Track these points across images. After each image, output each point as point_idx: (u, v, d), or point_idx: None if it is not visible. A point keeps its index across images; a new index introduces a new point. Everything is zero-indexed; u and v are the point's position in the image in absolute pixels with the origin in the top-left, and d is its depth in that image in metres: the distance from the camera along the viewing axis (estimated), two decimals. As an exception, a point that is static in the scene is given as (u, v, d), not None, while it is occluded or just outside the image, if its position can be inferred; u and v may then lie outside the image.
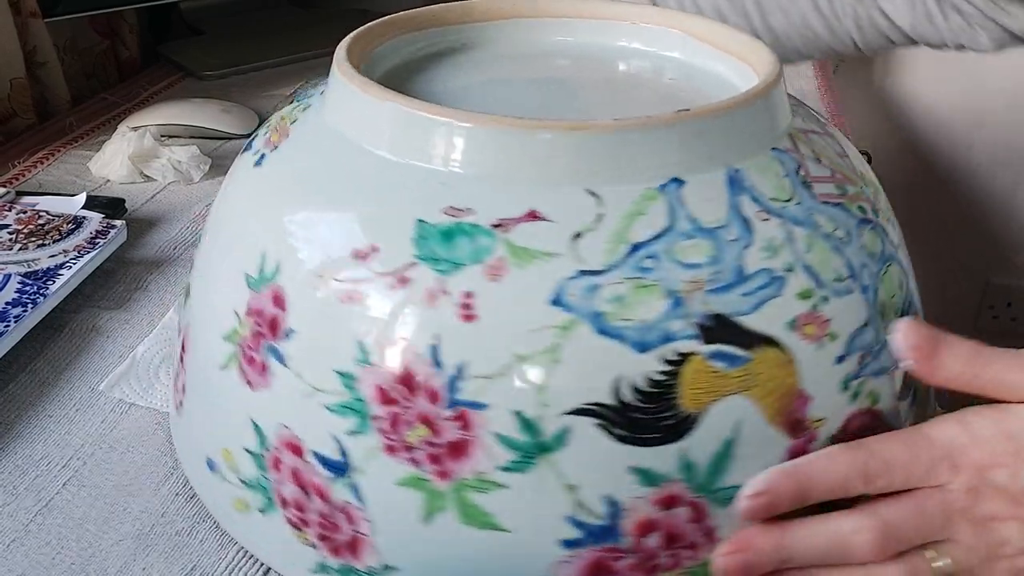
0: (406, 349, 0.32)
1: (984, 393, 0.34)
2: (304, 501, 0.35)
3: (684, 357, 0.31)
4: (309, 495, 0.35)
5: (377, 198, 0.35)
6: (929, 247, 1.27)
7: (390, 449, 0.33)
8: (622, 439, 0.31)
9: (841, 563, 0.33)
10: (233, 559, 0.40)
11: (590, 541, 0.32)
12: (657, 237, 0.32)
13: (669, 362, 0.31)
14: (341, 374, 0.33)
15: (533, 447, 0.31)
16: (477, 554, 0.33)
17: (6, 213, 0.61)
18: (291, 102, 0.44)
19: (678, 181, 0.34)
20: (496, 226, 0.32)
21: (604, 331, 0.31)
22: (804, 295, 0.33)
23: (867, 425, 0.35)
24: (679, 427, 0.32)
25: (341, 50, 0.40)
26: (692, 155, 0.34)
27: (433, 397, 0.32)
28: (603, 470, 0.32)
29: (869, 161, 0.44)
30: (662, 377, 0.31)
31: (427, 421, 0.32)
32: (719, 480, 0.33)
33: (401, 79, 0.43)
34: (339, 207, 0.35)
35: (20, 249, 0.57)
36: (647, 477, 0.32)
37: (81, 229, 0.60)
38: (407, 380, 0.32)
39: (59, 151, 0.79)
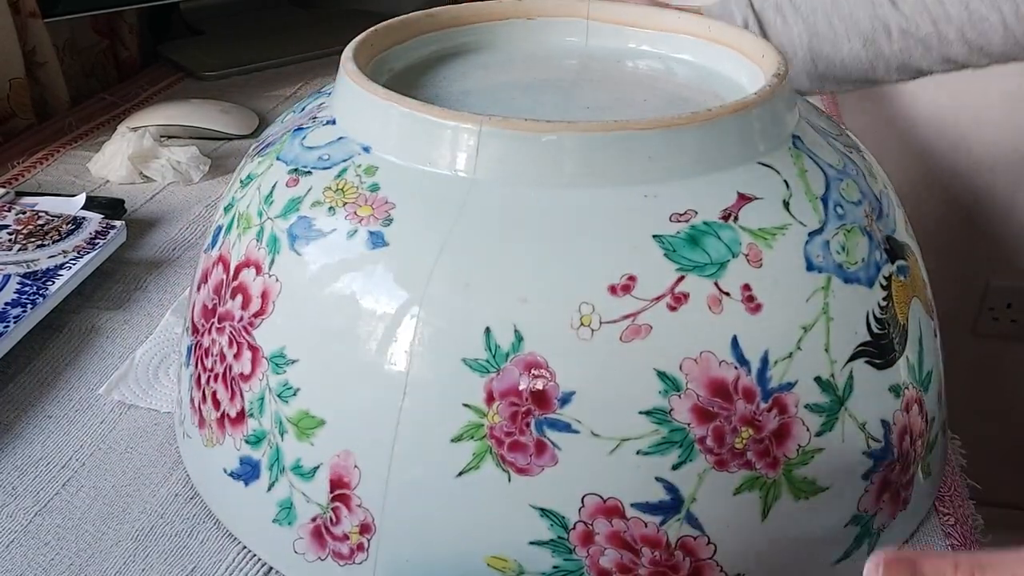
0: (711, 361, 0.32)
1: None
2: (631, 559, 0.33)
3: (889, 279, 0.37)
4: (638, 551, 0.33)
5: (576, 229, 0.33)
6: (929, 248, 1.27)
7: (720, 464, 0.33)
8: (880, 366, 0.36)
9: None
10: (233, 560, 0.40)
11: (878, 467, 0.36)
12: (829, 187, 0.36)
13: (884, 288, 0.36)
14: (649, 412, 0.32)
15: (835, 403, 0.34)
16: (806, 523, 0.35)
17: (5, 213, 0.61)
18: (294, 169, 0.38)
19: (796, 137, 0.38)
20: (724, 217, 0.34)
21: (847, 279, 0.35)
22: (894, 208, 0.40)
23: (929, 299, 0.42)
24: (903, 339, 0.37)
25: (348, 54, 0.40)
26: (788, 118, 0.38)
27: (749, 396, 0.33)
28: (875, 399, 0.36)
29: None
30: (885, 302, 0.36)
31: (749, 421, 0.33)
32: (923, 374, 0.39)
33: (406, 82, 0.43)
34: (546, 252, 0.33)
35: (19, 249, 0.57)
36: (896, 391, 0.37)
37: (80, 229, 0.60)
38: (722, 390, 0.32)
39: (58, 151, 0.79)
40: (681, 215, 0.33)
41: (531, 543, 0.33)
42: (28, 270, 0.55)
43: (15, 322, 0.50)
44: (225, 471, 0.39)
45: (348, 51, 0.40)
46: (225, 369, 0.38)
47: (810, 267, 0.34)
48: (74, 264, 0.56)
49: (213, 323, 0.39)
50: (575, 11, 0.48)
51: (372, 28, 0.43)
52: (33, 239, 0.58)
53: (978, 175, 1.23)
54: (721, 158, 0.35)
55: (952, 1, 0.62)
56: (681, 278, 0.32)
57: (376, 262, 0.34)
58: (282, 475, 0.36)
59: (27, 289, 0.53)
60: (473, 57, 0.46)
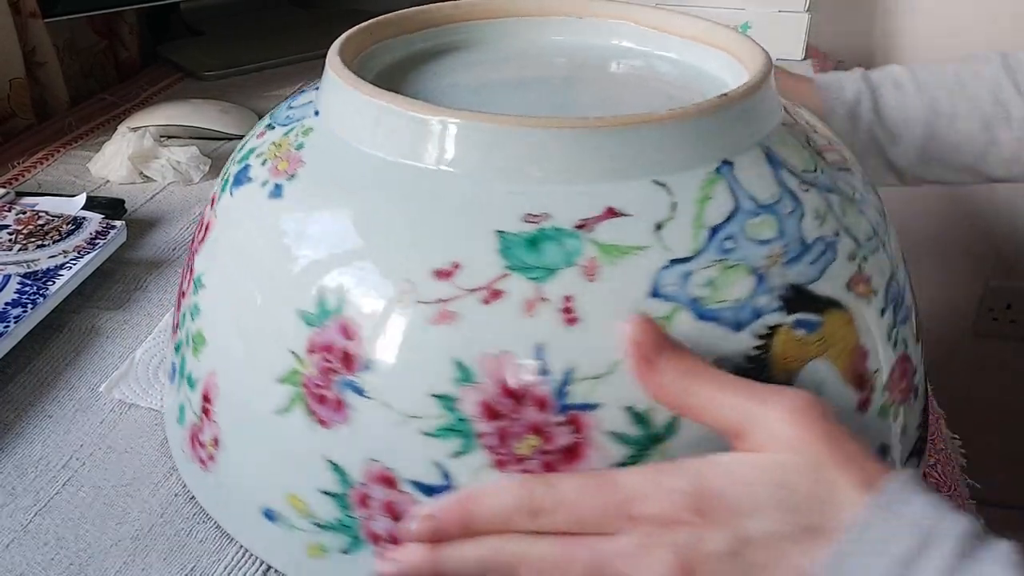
0: (510, 361, 0.32)
1: (692, 415, 0.31)
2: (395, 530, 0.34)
3: (773, 330, 0.33)
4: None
5: (439, 213, 0.34)
6: (929, 249, 1.27)
7: (500, 464, 0.32)
8: None
9: None
10: (232, 559, 0.40)
11: None
12: (729, 218, 0.34)
13: (761, 336, 0.33)
14: (439, 397, 0.32)
15: (647, 440, 0.32)
16: None
17: (6, 214, 0.61)
18: (268, 124, 0.42)
19: (728, 163, 0.35)
20: (579, 227, 0.33)
21: (703, 315, 0.32)
22: (852, 256, 0.36)
23: (905, 371, 0.37)
24: None
25: (334, 51, 0.40)
26: (734, 137, 0.36)
27: (542, 405, 0.32)
28: (709, 450, 0.32)
29: None
30: (757, 352, 0.33)
31: (538, 430, 0.32)
32: None
33: (397, 79, 0.43)
34: (398, 228, 0.34)
35: (20, 250, 0.57)
36: None
37: (81, 230, 0.60)
38: (514, 392, 0.32)
39: (59, 151, 0.79)
40: (535, 216, 0.33)
41: (321, 491, 0.35)
42: (28, 270, 0.55)
43: (15, 322, 0.50)
44: (166, 372, 0.45)
45: (335, 45, 0.40)
46: (178, 290, 0.44)
47: (655, 294, 0.32)
48: (74, 264, 0.56)
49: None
50: (566, 9, 0.48)
51: (361, 24, 0.43)
52: (33, 239, 0.58)
53: (978, 175, 1.23)
54: (619, 170, 0.33)
55: None
56: (504, 275, 0.32)
57: (269, 212, 0.37)
58: (182, 382, 0.41)
59: (27, 289, 0.53)
60: (462, 55, 0.46)
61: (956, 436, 0.52)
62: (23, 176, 0.74)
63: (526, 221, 0.33)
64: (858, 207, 0.37)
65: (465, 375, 0.32)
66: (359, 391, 0.33)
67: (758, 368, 0.33)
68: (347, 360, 0.34)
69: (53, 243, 0.58)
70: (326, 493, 0.35)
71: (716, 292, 0.32)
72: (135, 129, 0.76)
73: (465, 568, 0.32)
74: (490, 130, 0.34)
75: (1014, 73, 0.62)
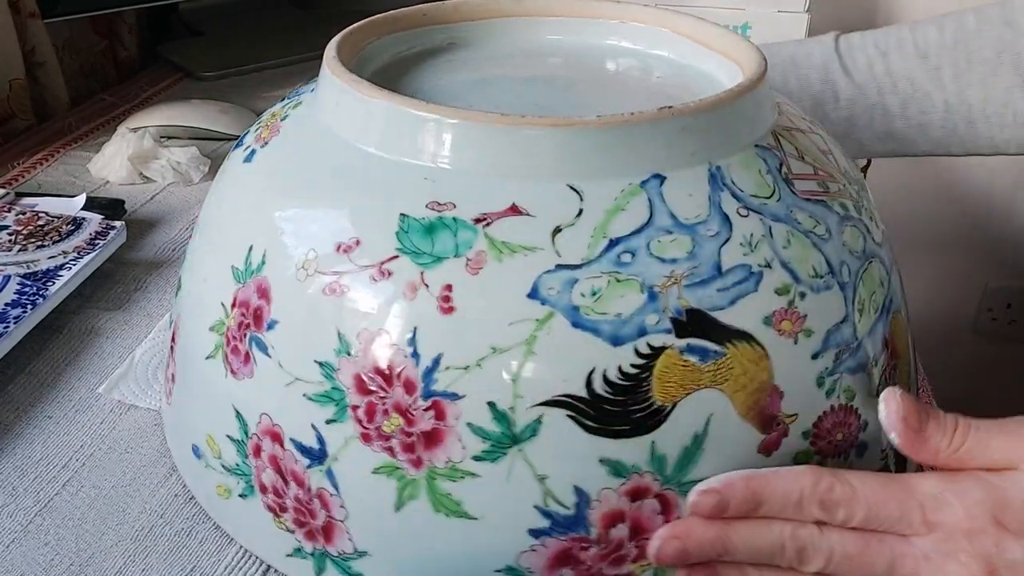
0: (384, 340, 0.33)
1: (972, 465, 0.32)
2: (282, 487, 0.36)
3: (657, 351, 0.32)
4: (287, 482, 0.36)
5: (362, 193, 0.35)
6: (929, 249, 1.27)
7: (365, 438, 0.33)
8: (592, 430, 0.32)
9: (775, 566, 0.33)
10: (232, 560, 0.40)
11: (557, 531, 0.33)
12: (636, 232, 0.33)
13: (642, 355, 0.32)
14: (321, 364, 0.34)
15: (505, 437, 0.32)
16: (446, 542, 0.34)
17: (5, 214, 0.61)
18: (283, 100, 0.44)
19: (660, 177, 0.34)
20: (478, 220, 0.33)
21: (579, 324, 0.32)
22: (781, 291, 0.34)
23: (841, 422, 0.35)
24: (649, 420, 0.32)
25: (331, 48, 0.40)
26: (675, 152, 0.34)
27: (409, 387, 0.32)
28: (573, 461, 0.32)
29: (868, 165, 0.44)
30: (634, 370, 0.32)
31: (402, 411, 0.33)
32: (688, 473, 0.33)
33: (391, 77, 0.43)
34: (325, 202, 0.36)
35: (19, 250, 0.57)
36: (616, 468, 0.32)
37: (80, 230, 0.60)
38: (384, 371, 0.33)
39: (58, 152, 0.79)
40: (440, 205, 0.33)
41: (227, 436, 0.38)
42: (28, 271, 0.55)
43: (15, 323, 0.50)
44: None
45: (331, 46, 0.41)
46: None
47: (534, 295, 0.32)
48: (74, 265, 0.56)
49: None
50: (557, 9, 0.48)
51: (356, 24, 0.43)
52: (33, 240, 0.58)
53: (978, 175, 1.23)
54: (536, 168, 0.34)
55: (900, 74, 0.62)
56: (394, 257, 0.33)
57: (240, 173, 0.40)
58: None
59: (27, 290, 0.53)
60: (458, 54, 0.46)
61: (955, 436, 0.52)
62: (23, 177, 0.74)
63: (429, 208, 0.33)
64: (814, 242, 0.35)
65: (344, 347, 0.33)
66: (263, 348, 0.35)
67: (634, 385, 0.32)
68: (257, 317, 0.36)
69: (53, 244, 0.58)
70: (230, 438, 0.38)
71: (598, 303, 0.32)
72: (135, 129, 0.76)
73: (754, 548, 0.32)
74: (436, 120, 0.34)
75: (843, 55, 0.63)
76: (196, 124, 0.80)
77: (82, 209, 0.65)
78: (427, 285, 0.32)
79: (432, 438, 0.33)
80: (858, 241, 0.37)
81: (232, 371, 0.37)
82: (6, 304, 0.52)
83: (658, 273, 0.32)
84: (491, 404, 0.32)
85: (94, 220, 0.61)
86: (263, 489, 0.37)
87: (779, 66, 0.63)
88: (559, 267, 0.32)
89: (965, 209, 1.24)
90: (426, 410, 0.32)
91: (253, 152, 0.40)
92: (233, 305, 0.37)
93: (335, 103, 0.38)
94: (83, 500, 0.43)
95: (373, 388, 0.33)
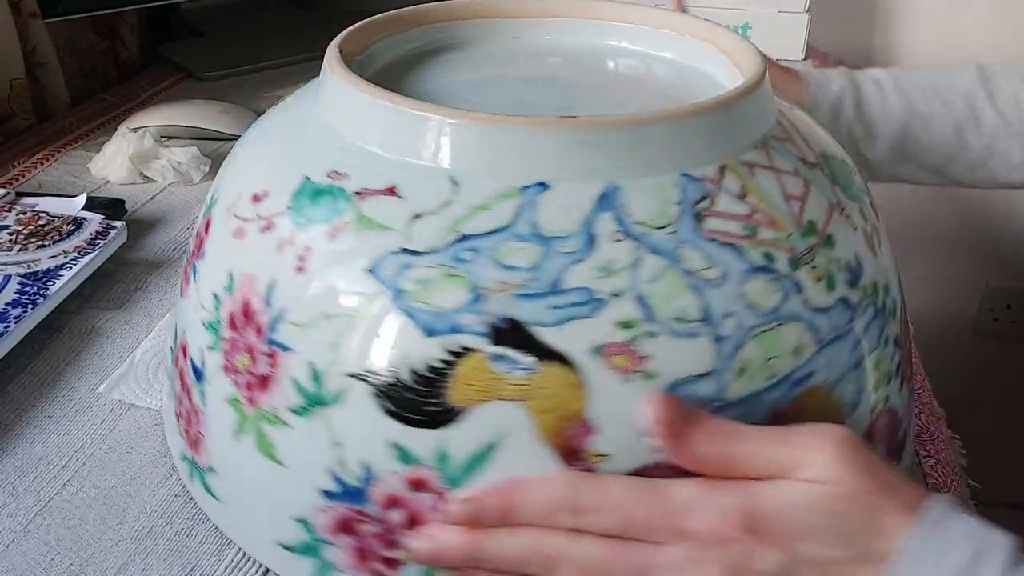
0: (253, 287, 0.36)
1: (739, 473, 0.31)
2: (182, 396, 0.40)
3: (465, 351, 0.32)
4: (185, 392, 0.40)
5: (293, 150, 0.38)
6: (929, 250, 1.27)
7: (226, 368, 0.37)
8: (389, 412, 0.33)
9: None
10: (232, 560, 0.40)
11: (343, 498, 0.34)
12: (488, 233, 0.33)
13: (450, 352, 0.32)
14: (215, 296, 0.37)
15: (315, 398, 0.34)
16: (264, 479, 0.36)
17: (6, 214, 0.61)
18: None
19: (543, 185, 0.33)
20: (358, 194, 0.34)
21: (401, 308, 0.32)
22: (624, 324, 0.32)
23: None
24: (442, 416, 0.32)
25: (333, 47, 0.40)
26: (569, 164, 0.33)
27: (259, 332, 0.35)
28: (366, 437, 0.33)
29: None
30: (440, 365, 0.32)
31: (250, 351, 0.36)
32: (472, 478, 0.33)
33: (392, 77, 0.43)
34: (267, 155, 0.39)
35: (20, 250, 0.57)
36: (403, 455, 0.33)
37: (81, 230, 0.60)
38: (246, 312, 0.36)
39: (59, 152, 0.79)
40: (338, 174, 0.35)
41: (170, 348, 0.43)
42: (28, 270, 0.55)
43: (16, 322, 0.50)
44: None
45: (333, 45, 0.41)
46: None
47: (372, 272, 0.33)
48: (74, 264, 0.56)
49: None
50: (559, 9, 0.48)
51: (358, 24, 0.43)
52: (34, 239, 0.58)
53: (978, 176, 1.23)
54: (410, 151, 0.35)
55: None
56: (282, 213, 0.36)
57: (236, 151, 0.43)
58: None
59: (28, 289, 0.53)
60: (458, 54, 0.46)
61: (956, 436, 0.52)
62: (23, 176, 0.74)
63: (328, 175, 0.35)
64: (694, 284, 0.32)
65: (229, 285, 0.37)
66: (195, 273, 0.40)
67: (435, 379, 0.32)
68: (198, 246, 0.40)
69: (53, 243, 0.58)
70: (171, 349, 0.43)
71: (424, 292, 0.32)
72: (135, 129, 0.76)
73: (503, 557, 0.32)
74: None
75: (988, 82, 0.64)
76: (197, 124, 0.80)
77: (83, 209, 0.65)
78: (293, 243, 0.35)
79: (265, 382, 0.35)
80: (770, 298, 0.33)
81: (181, 291, 0.42)
82: (7, 304, 0.52)
83: (491, 277, 0.32)
84: (311, 363, 0.34)
85: (94, 220, 0.61)
86: (176, 396, 0.41)
87: (921, 89, 0.64)
88: (403, 251, 0.33)
89: (966, 209, 1.24)
90: (265, 355, 0.35)
91: (247, 131, 0.44)
92: (197, 235, 0.41)
93: (337, 103, 0.38)
94: (83, 500, 0.43)
95: (237, 326, 0.36)
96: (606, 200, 0.33)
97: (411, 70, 0.44)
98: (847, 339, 0.35)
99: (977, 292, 1.30)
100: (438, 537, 0.33)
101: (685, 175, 0.34)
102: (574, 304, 0.32)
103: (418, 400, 0.32)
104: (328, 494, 0.34)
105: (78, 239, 0.59)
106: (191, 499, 0.42)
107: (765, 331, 0.33)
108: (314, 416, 0.34)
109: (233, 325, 0.36)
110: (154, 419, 0.48)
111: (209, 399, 0.38)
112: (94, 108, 0.89)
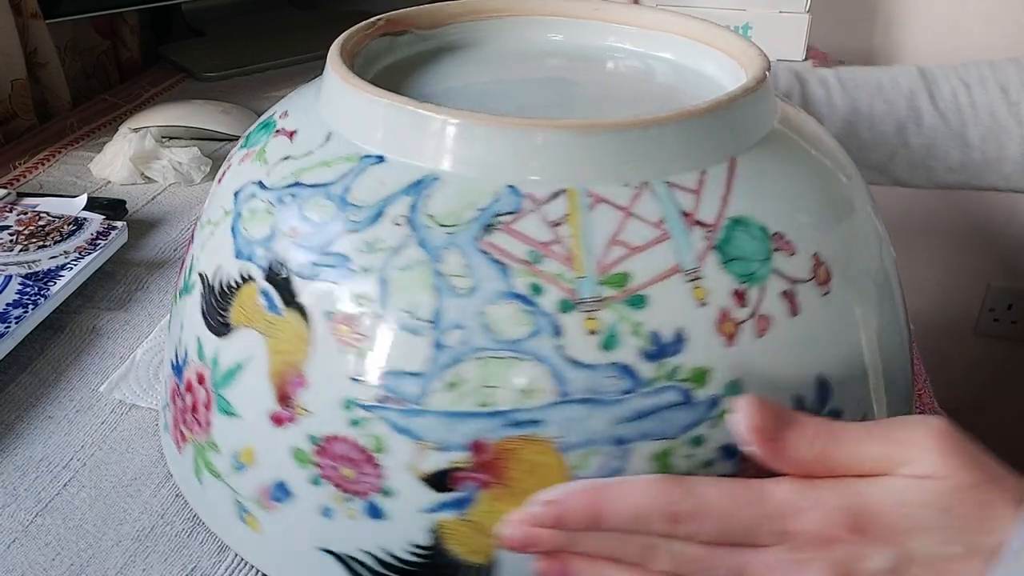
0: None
1: (841, 473, 0.30)
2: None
3: (249, 279, 0.36)
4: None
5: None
6: (930, 250, 1.27)
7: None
8: (201, 312, 0.38)
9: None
10: (233, 560, 0.40)
11: (175, 372, 0.41)
12: (311, 186, 0.36)
13: (241, 276, 0.36)
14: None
15: (185, 284, 0.41)
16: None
17: (7, 214, 0.61)
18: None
19: (380, 158, 0.35)
20: (277, 132, 0.39)
21: (233, 229, 0.37)
22: (360, 299, 0.33)
23: (352, 458, 0.33)
24: (222, 328, 0.37)
25: (335, 48, 0.40)
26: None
27: (190, 243, 0.42)
28: (190, 326, 0.39)
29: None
30: (233, 284, 0.37)
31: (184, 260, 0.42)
32: (227, 388, 0.37)
33: (394, 78, 0.43)
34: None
35: (21, 250, 0.57)
36: (199, 351, 0.38)
37: (82, 230, 0.60)
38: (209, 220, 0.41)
39: (60, 152, 0.79)
40: (284, 117, 0.40)
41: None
42: (30, 271, 0.55)
43: (17, 323, 0.50)
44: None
45: (335, 46, 0.41)
46: None
47: (235, 195, 0.38)
48: (75, 265, 0.56)
49: None
50: (561, 9, 0.48)
51: (359, 24, 0.43)
52: (35, 240, 0.58)
53: (979, 176, 1.23)
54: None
55: (982, 106, 0.63)
56: (243, 146, 0.41)
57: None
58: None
59: (29, 290, 0.53)
60: (460, 54, 0.46)
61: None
62: (24, 177, 0.74)
63: (279, 116, 0.41)
64: (436, 285, 0.32)
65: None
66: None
67: (228, 295, 0.37)
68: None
69: (54, 244, 0.58)
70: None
71: (248, 220, 0.37)
72: (136, 130, 0.76)
73: (595, 550, 0.31)
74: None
75: (929, 83, 0.65)
76: (198, 124, 0.80)
77: (83, 209, 0.65)
78: (229, 162, 0.41)
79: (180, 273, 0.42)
80: (514, 328, 0.32)
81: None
82: (8, 304, 0.52)
83: (289, 222, 0.35)
84: (194, 256, 0.40)
85: (95, 220, 0.61)
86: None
87: (865, 88, 0.65)
88: (259, 183, 0.37)
89: (968, 209, 1.24)
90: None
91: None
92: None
93: (338, 104, 0.38)
94: (84, 500, 0.43)
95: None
96: (417, 186, 0.34)
97: (412, 71, 0.44)
98: (610, 409, 0.32)
99: (978, 292, 1.30)
100: (524, 532, 0.31)
101: (532, 199, 0.33)
102: (328, 266, 0.34)
103: (215, 309, 0.37)
104: (172, 365, 0.41)
105: (79, 239, 0.59)
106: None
107: (493, 357, 0.32)
108: (179, 300, 0.41)
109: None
110: (155, 419, 0.48)
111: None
112: (95, 108, 0.89)
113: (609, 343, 0.32)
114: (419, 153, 0.35)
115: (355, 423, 0.33)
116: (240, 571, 0.39)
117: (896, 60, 1.18)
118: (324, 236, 0.34)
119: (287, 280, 0.34)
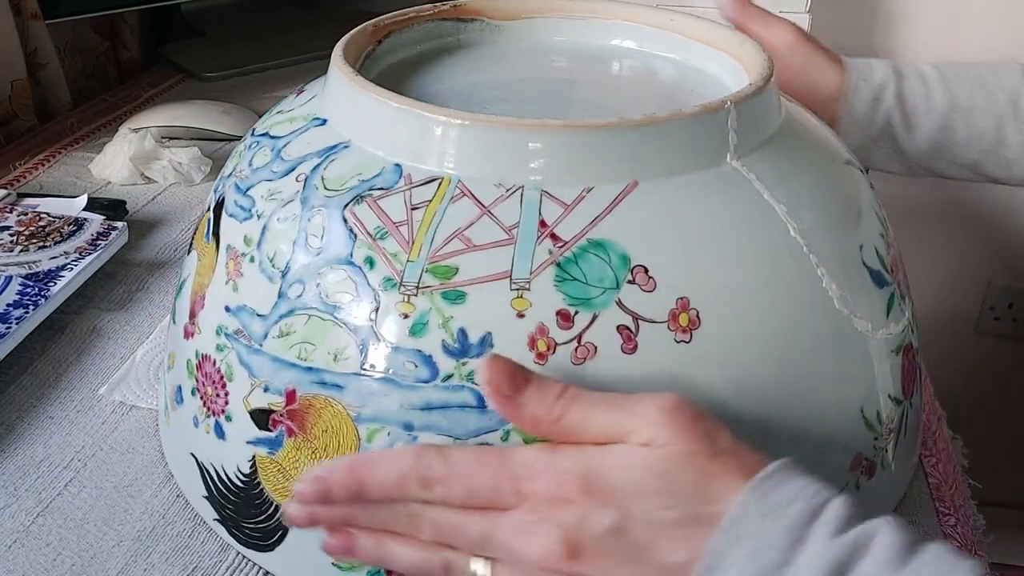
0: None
1: (570, 436, 0.32)
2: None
3: (218, 206, 0.40)
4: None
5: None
6: (931, 248, 1.27)
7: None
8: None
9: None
10: (233, 561, 0.40)
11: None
12: (273, 137, 0.40)
13: (216, 202, 0.41)
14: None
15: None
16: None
17: (7, 215, 0.61)
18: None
19: (323, 121, 0.39)
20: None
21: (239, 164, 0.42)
22: (246, 240, 0.38)
23: (209, 377, 0.38)
24: (190, 247, 0.43)
25: (338, 49, 0.40)
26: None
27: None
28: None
29: (866, 170, 0.43)
30: (215, 206, 0.41)
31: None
32: (177, 298, 0.43)
33: (397, 78, 0.43)
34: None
35: (21, 251, 0.57)
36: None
37: (82, 231, 0.60)
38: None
39: (60, 153, 0.79)
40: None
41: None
42: (30, 271, 0.55)
43: (17, 323, 0.50)
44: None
45: (338, 47, 0.41)
46: None
47: (251, 133, 0.43)
48: (76, 265, 0.56)
49: None
50: (565, 9, 0.48)
51: (362, 25, 0.44)
52: (35, 240, 0.58)
53: (979, 175, 1.23)
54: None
55: None
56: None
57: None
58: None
59: (29, 290, 0.53)
60: (464, 55, 0.46)
61: (956, 436, 0.52)
62: (25, 177, 0.74)
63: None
64: (296, 241, 0.36)
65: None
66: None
67: (216, 214, 0.40)
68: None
69: (54, 244, 0.58)
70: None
71: (239, 158, 0.41)
72: (136, 130, 0.76)
73: (369, 523, 0.33)
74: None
75: None
76: (198, 125, 0.80)
77: (84, 210, 0.65)
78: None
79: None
80: (337, 295, 0.34)
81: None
82: (8, 304, 0.52)
83: (244, 164, 0.40)
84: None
85: (96, 221, 0.61)
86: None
87: (965, 83, 0.64)
88: (264, 134, 0.42)
89: (969, 208, 1.24)
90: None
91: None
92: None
93: (341, 104, 0.38)
94: (85, 501, 0.43)
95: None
96: (330, 151, 0.37)
97: (415, 72, 0.44)
98: (404, 393, 0.33)
99: (979, 291, 1.30)
100: (304, 509, 0.33)
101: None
102: (241, 207, 0.38)
103: (214, 226, 0.40)
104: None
105: (79, 240, 0.59)
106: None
107: (316, 316, 0.35)
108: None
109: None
110: (155, 420, 0.48)
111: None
112: (95, 109, 0.89)
113: (416, 329, 0.33)
114: (343, 121, 0.38)
115: (219, 348, 0.38)
116: (240, 571, 0.39)
117: (896, 59, 1.18)
118: (251, 180, 0.39)
119: (219, 214, 0.40)
